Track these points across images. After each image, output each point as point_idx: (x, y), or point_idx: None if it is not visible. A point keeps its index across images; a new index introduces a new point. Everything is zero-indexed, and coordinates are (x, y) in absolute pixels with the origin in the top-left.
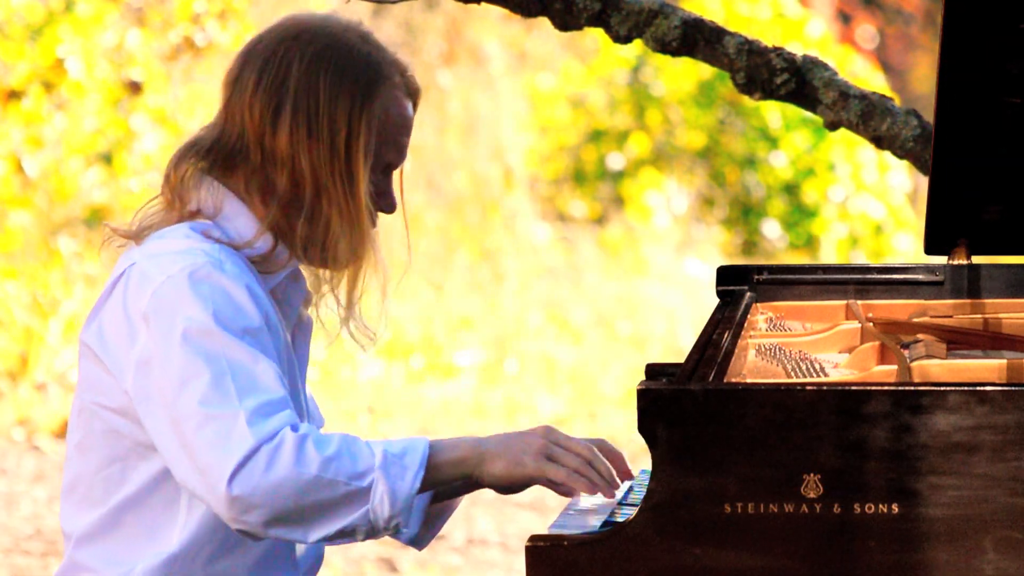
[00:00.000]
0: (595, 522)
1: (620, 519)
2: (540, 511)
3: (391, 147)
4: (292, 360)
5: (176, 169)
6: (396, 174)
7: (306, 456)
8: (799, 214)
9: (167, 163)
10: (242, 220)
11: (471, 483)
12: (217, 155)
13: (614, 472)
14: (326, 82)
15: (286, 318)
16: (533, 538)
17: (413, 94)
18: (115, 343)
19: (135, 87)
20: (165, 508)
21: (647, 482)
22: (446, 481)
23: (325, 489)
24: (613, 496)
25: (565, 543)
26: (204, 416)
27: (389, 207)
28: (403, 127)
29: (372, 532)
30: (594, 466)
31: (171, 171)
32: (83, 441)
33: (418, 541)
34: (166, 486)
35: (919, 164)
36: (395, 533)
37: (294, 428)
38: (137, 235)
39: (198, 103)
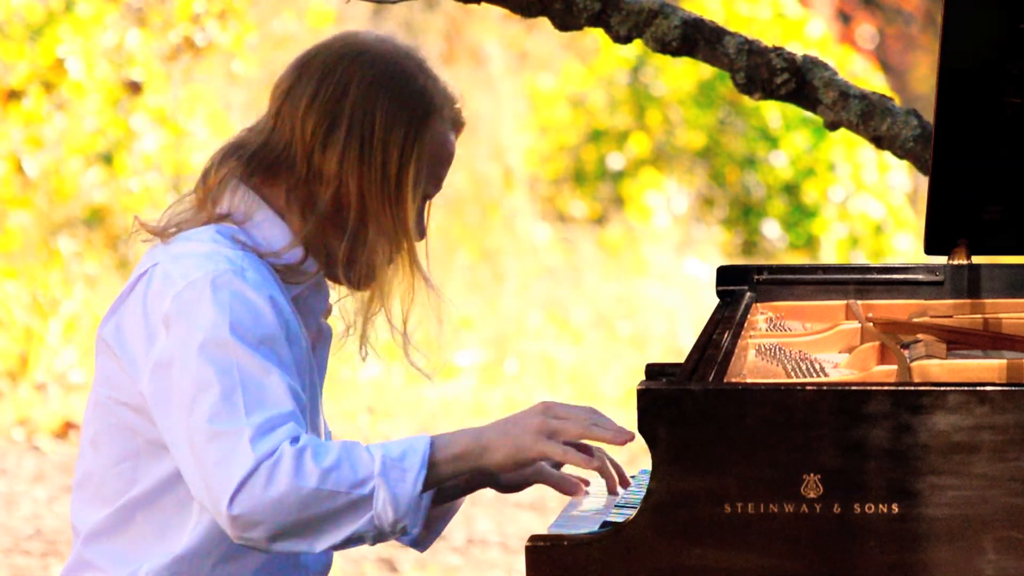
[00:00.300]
0: (595, 522)
1: (620, 519)
2: (540, 511)
3: (432, 179)
4: (312, 369)
5: (217, 170)
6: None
7: (305, 469)
8: (799, 214)
9: (207, 162)
10: (274, 229)
11: (479, 476)
12: (260, 162)
13: (618, 427)
14: (383, 109)
15: (307, 327)
16: (533, 538)
17: (457, 127)
18: (133, 342)
19: (135, 87)
20: (177, 510)
21: (647, 482)
22: (450, 477)
23: (326, 500)
24: (625, 441)
25: (565, 543)
26: (211, 432)
27: (420, 235)
28: (446, 161)
29: (379, 537)
30: (597, 425)
31: (211, 171)
32: (97, 436)
33: (420, 543)
34: (179, 488)
35: (919, 164)
36: (403, 534)
37: (294, 440)
38: (163, 232)
39: (198, 103)
